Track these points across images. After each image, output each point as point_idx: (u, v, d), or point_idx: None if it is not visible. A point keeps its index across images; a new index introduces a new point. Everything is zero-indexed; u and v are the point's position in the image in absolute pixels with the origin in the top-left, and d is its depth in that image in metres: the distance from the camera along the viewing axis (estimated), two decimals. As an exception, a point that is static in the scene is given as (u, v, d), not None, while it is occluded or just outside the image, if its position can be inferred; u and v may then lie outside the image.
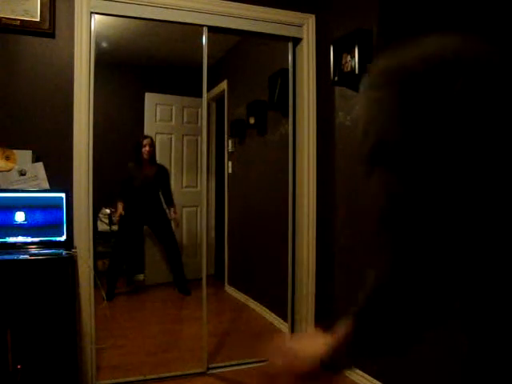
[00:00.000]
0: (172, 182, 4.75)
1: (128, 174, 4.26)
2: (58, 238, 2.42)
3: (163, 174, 4.45)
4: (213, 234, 5.16)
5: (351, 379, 2.68)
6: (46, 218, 2.40)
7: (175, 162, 4.84)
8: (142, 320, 3.80)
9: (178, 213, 4.54)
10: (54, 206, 2.41)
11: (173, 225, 4.46)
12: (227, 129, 4.65)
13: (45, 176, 2.45)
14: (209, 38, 2.86)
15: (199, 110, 4.76)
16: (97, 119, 2.57)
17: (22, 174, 2.41)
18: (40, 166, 2.44)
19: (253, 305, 4.06)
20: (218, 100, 4.96)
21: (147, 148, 4.25)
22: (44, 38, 2.45)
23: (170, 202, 4.48)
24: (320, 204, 3.00)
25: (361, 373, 2.63)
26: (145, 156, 4.26)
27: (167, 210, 4.47)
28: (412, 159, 0.56)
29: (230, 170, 4.62)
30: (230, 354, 3.03)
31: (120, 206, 4.23)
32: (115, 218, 4.47)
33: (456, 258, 0.57)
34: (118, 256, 4.30)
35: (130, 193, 4.25)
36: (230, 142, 4.60)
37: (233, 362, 2.91)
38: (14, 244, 2.35)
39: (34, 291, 2.14)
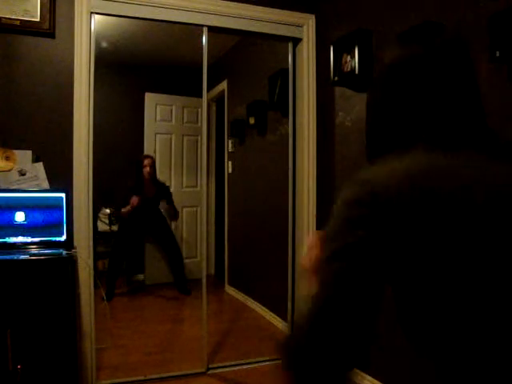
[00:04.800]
0: (172, 182, 4.75)
1: (129, 192, 4.20)
2: (57, 238, 2.42)
3: (164, 192, 4.40)
4: (213, 234, 5.16)
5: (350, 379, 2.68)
6: (45, 218, 2.40)
7: (175, 162, 4.84)
8: (141, 320, 3.80)
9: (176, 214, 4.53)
10: (54, 206, 2.41)
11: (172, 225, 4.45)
12: (227, 129, 4.65)
13: (45, 176, 2.45)
14: (209, 38, 2.86)
15: (199, 109, 4.76)
16: (97, 119, 2.57)
17: (22, 174, 2.41)
18: (40, 166, 2.44)
19: (253, 305, 4.06)
20: (218, 100, 4.96)
21: (147, 169, 4.22)
22: (44, 38, 2.45)
23: (174, 216, 4.46)
24: (320, 204, 3.00)
25: (360, 372, 2.63)
26: (145, 176, 4.23)
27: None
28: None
29: (230, 170, 4.62)
30: (230, 354, 3.03)
31: (135, 199, 4.12)
32: (115, 218, 4.47)
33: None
34: (117, 256, 4.29)
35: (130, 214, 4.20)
36: (230, 142, 4.60)
37: (233, 362, 2.90)
38: (14, 244, 2.35)
39: (34, 291, 2.14)
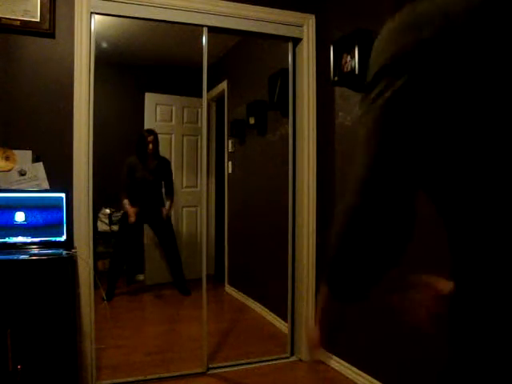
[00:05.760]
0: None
1: (129, 168, 4.24)
2: (57, 238, 2.42)
3: (165, 165, 4.45)
4: (213, 233, 5.16)
5: (350, 379, 2.68)
6: (45, 218, 2.40)
7: (175, 162, 4.84)
8: (141, 320, 3.80)
9: (170, 209, 4.51)
10: (54, 206, 2.41)
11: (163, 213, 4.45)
12: (227, 129, 4.65)
13: (45, 176, 2.45)
14: (209, 38, 2.86)
15: (199, 109, 4.77)
16: (97, 119, 2.57)
17: (22, 174, 2.41)
18: (40, 166, 2.44)
19: (253, 305, 4.06)
20: (218, 100, 4.96)
21: (151, 146, 4.25)
22: (44, 38, 2.45)
23: (170, 192, 4.46)
24: (320, 204, 3.00)
25: (360, 372, 2.63)
26: (149, 151, 4.26)
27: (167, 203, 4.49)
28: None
29: (229, 170, 4.62)
30: (230, 354, 3.03)
31: (127, 202, 4.18)
32: (115, 218, 4.47)
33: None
34: (118, 256, 4.29)
35: (133, 187, 4.23)
36: (230, 142, 4.60)
37: (233, 362, 2.90)
38: (14, 244, 2.35)
39: (34, 291, 2.14)
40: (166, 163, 4.47)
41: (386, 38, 0.66)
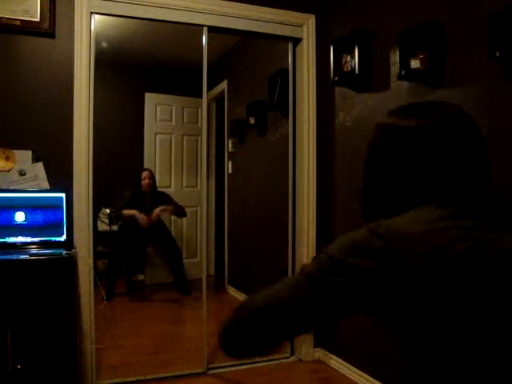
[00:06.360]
0: (172, 182, 4.75)
1: (127, 201, 4.20)
2: (57, 238, 2.42)
3: (163, 197, 4.38)
4: (213, 234, 5.15)
5: (350, 379, 2.68)
6: (45, 218, 2.40)
7: (175, 162, 4.83)
8: (141, 320, 3.80)
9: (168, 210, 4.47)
10: (54, 206, 2.41)
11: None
12: (227, 129, 4.65)
13: (45, 176, 2.45)
14: (209, 38, 2.86)
15: (199, 109, 4.76)
16: (97, 119, 2.57)
17: (22, 174, 2.41)
18: (40, 166, 2.44)
19: (253, 305, 4.05)
20: (218, 100, 4.95)
21: (146, 181, 4.24)
22: (44, 38, 2.45)
23: (182, 214, 4.45)
24: (320, 204, 3.00)
25: (360, 372, 2.63)
26: (144, 189, 4.24)
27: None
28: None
29: (230, 170, 4.62)
30: (230, 354, 3.03)
31: (129, 211, 4.14)
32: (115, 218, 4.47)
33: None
34: (116, 256, 4.29)
35: (130, 219, 4.20)
36: (230, 142, 4.60)
37: (233, 362, 2.90)
38: (14, 244, 2.35)
39: (34, 291, 2.14)
40: (163, 196, 4.41)
41: (350, 244, 0.76)
